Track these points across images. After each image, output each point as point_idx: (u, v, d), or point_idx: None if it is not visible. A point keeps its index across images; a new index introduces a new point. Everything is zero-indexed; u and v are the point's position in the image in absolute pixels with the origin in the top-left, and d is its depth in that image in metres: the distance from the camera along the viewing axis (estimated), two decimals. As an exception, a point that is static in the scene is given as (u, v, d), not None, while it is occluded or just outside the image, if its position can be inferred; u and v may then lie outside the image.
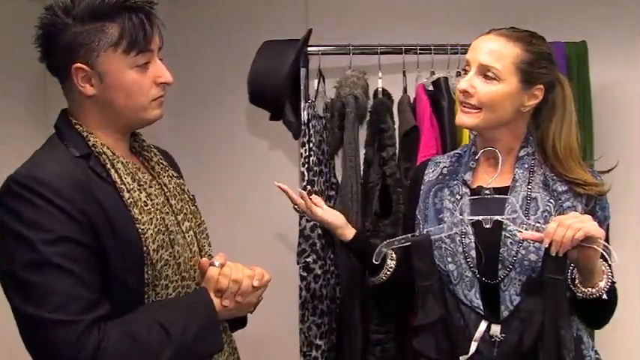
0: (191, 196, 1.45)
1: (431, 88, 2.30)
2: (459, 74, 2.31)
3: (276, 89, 2.22)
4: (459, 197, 1.57)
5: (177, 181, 1.44)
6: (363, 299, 2.20)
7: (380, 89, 2.28)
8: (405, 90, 2.33)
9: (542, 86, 1.52)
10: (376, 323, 2.19)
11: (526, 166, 1.55)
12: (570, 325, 1.46)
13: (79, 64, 1.23)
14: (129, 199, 1.24)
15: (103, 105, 1.28)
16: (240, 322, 1.49)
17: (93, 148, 1.26)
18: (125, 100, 1.27)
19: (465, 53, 2.24)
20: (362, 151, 2.30)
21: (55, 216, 1.16)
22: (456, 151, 1.73)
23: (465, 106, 1.53)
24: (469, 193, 1.54)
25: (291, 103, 2.29)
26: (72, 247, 1.16)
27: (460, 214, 1.51)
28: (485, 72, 1.50)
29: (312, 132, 2.27)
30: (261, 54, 2.29)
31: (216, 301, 1.30)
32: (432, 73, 2.32)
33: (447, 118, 2.21)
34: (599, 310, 1.49)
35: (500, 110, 1.50)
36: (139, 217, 1.24)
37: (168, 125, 3.24)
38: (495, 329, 1.50)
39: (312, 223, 2.21)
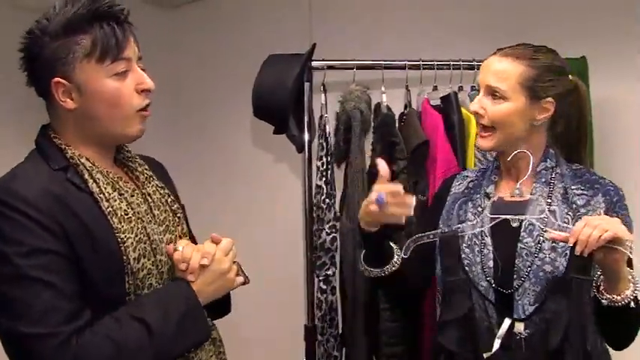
0: (174, 208, 1.43)
1: (435, 102, 2.32)
2: (460, 89, 2.34)
3: (280, 103, 2.24)
4: (480, 210, 1.61)
5: (163, 191, 1.43)
6: (371, 313, 2.20)
7: (384, 104, 2.30)
8: (409, 104, 2.35)
9: (551, 99, 1.56)
10: (390, 336, 2.18)
11: (543, 180, 1.59)
12: (594, 325, 1.44)
13: (57, 79, 1.24)
14: (108, 208, 1.24)
15: (85, 119, 1.28)
16: (224, 308, 1.48)
17: (71, 160, 1.27)
18: (107, 111, 1.27)
19: (467, 69, 2.30)
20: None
21: (31, 228, 1.16)
22: (482, 166, 1.78)
23: (480, 130, 1.60)
24: (490, 206, 1.57)
25: (295, 117, 2.31)
26: (49, 259, 1.16)
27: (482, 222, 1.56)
28: (492, 92, 1.56)
29: (329, 146, 2.30)
30: (266, 68, 2.31)
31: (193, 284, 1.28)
32: (435, 88, 2.34)
33: (458, 133, 2.22)
34: (624, 323, 1.48)
35: (511, 127, 1.56)
36: (119, 226, 1.24)
37: (172, 137, 3.28)
38: (519, 327, 1.50)
39: (332, 236, 2.24)
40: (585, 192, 1.57)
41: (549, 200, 1.56)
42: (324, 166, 2.29)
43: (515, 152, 1.56)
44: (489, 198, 1.61)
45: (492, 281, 1.54)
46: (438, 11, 2.79)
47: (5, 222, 1.16)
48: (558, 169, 1.61)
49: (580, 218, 1.48)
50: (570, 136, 1.66)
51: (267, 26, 3.19)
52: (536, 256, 1.51)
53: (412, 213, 1.55)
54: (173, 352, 1.23)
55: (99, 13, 1.25)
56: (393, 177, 2.21)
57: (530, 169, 1.53)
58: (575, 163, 1.66)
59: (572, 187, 1.57)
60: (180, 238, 1.41)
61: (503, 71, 1.55)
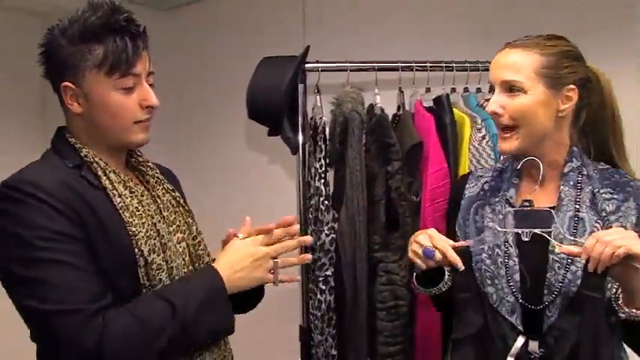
0: (186, 209, 1.48)
1: (427, 104, 2.33)
2: (453, 90, 2.35)
3: (274, 105, 2.25)
4: (501, 217, 1.49)
5: (173, 194, 1.46)
6: (370, 311, 2.21)
7: (378, 105, 2.31)
8: (403, 106, 2.36)
9: (573, 86, 1.46)
10: (386, 335, 2.20)
11: (571, 183, 1.47)
12: (610, 345, 1.37)
13: (67, 83, 1.28)
14: (120, 203, 1.28)
15: (90, 123, 1.32)
16: (256, 297, 1.50)
17: (85, 159, 1.30)
18: (109, 121, 1.31)
19: (460, 70, 2.32)
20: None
21: (48, 213, 1.19)
22: (497, 165, 1.66)
23: (501, 131, 1.48)
24: (512, 212, 1.45)
25: (289, 118, 2.32)
26: (70, 242, 1.19)
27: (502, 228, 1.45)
28: (509, 87, 1.45)
29: (327, 147, 2.31)
30: (260, 70, 2.32)
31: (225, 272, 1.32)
32: (428, 89, 2.35)
33: (450, 135, 2.23)
34: None
35: (535, 123, 1.44)
36: (131, 221, 1.27)
37: (167, 140, 3.28)
38: (533, 345, 1.42)
39: (330, 237, 2.25)
40: (615, 196, 1.44)
41: (577, 206, 1.44)
42: (323, 168, 2.30)
43: (525, 159, 1.45)
44: (511, 204, 1.49)
45: (519, 296, 1.44)
46: (430, 13, 2.81)
47: (23, 208, 1.19)
48: (584, 169, 1.48)
49: (610, 227, 1.40)
50: (598, 131, 1.53)
51: (261, 29, 3.20)
52: (568, 270, 1.40)
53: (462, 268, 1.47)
54: (196, 333, 1.25)
55: (115, 26, 1.27)
56: (388, 178, 2.24)
57: (539, 178, 1.44)
58: (607, 162, 1.53)
59: (601, 191, 1.45)
60: (195, 237, 1.45)
61: (517, 63, 1.44)
